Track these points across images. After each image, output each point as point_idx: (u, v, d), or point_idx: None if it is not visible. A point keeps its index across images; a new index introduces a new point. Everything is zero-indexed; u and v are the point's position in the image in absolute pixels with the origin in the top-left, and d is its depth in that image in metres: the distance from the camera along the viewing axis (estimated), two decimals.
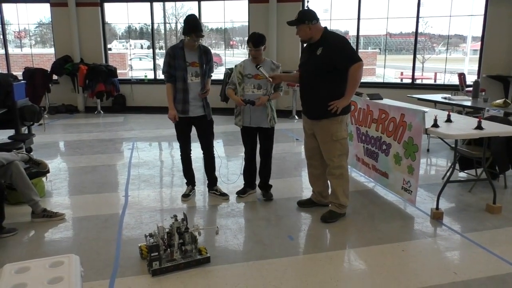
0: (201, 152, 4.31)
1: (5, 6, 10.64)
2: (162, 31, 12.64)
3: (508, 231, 3.57)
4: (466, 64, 18.53)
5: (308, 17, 3.51)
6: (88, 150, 6.47)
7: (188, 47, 3.94)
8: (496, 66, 8.48)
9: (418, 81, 12.00)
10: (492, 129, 3.80)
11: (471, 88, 6.56)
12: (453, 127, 3.90)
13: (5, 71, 10.72)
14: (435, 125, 3.77)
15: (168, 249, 2.91)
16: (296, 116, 9.24)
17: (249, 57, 4.06)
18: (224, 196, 4.31)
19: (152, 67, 11.13)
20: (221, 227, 3.62)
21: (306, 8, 3.63)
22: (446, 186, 4.00)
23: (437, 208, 3.84)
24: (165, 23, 12.70)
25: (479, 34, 8.87)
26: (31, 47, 14.76)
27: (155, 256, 2.81)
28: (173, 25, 14.16)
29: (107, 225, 3.67)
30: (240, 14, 10.28)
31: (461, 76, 8.24)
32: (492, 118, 4.51)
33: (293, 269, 2.95)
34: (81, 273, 2.07)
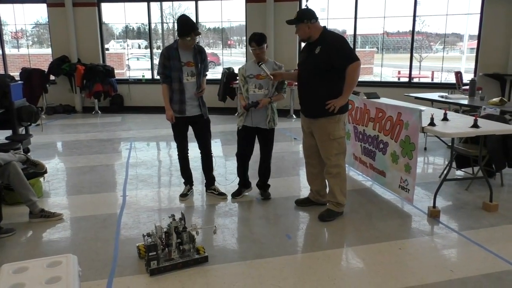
0: (199, 151, 4.31)
1: (1, 6, 10.62)
2: (160, 31, 12.62)
3: (505, 229, 3.59)
4: (463, 62, 18.58)
5: (307, 16, 3.53)
6: (86, 150, 6.46)
7: (182, 47, 3.94)
8: (493, 65, 8.51)
9: (415, 80, 12.02)
10: (488, 127, 3.82)
11: (467, 87, 6.58)
12: (450, 125, 3.92)
13: (2, 72, 10.69)
14: (432, 123, 3.79)
15: (166, 249, 2.92)
16: (294, 115, 9.25)
17: (247, 61, 4.06)
18: (222, 195, 4.32)
19: (149, 67, 11.13)
20: (219, 226, 3.63)
21: (305, 7, 3.65)
22: (443, 184, 4.01)
23: (434, 206, 3.86)
24: (162, 22, 12.69)
25: (476, 32, 8.90)
26: (28, 48, 14.73)
27: (153, 255, 2.82)
28: (170, 25, 14.15)
29: (105, 225, 3.68)
30: (237, 14, 10.30)
31: (458, 75, 8.26)
32: (488, 117, 4.53)
33: (291, 267, 2.96)
34: (79, 273, 2.08)
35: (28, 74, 9.39)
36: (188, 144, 4.28)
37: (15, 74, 9.17)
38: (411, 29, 9.47)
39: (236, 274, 2.87)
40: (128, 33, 16.07)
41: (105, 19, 10.71)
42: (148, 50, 11.39)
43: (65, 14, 9.99)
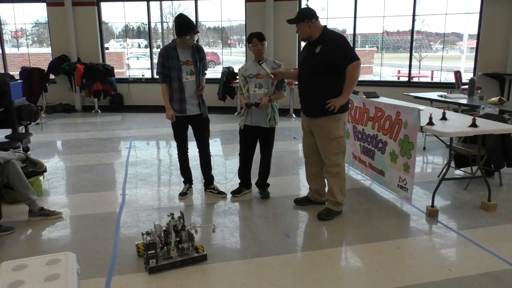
0: (197, 150, 4.32)
1: (1, 6, 10.63)
2: (159, 30, 12.62)
3: (503, 228, 3.59)
4: (462, 62, 18.58)
5: (308, 16, 3.53)
6: (86, 149, 6.47)
7: (180, 46, 3.95)
8: (492, 64, 8.52)
9: (415, 79, 12.03)
10: (487, 126, 3.82)
11: (467, 86, 6.59)
12: (448, 125, 3.92)
13: (2, 71, 10.69)
14: (430, 123, 3.79)
15: (165, 247, 2.93)
16: (293, 114, 9.26)
17: (246, 60, 4.08)
18: (222, 194, 4.33)
19: (149, 66, 11.13)
20: (218, 225, 3.64)
21: (305, 6, 3.66)
22: (442, 183, 4.02)
23: (432, 205, 3.87)
24: (162, 22, 12.68)
25: (476, 32, 8.90)
26: (28, 47, 14.72)
27: (152, 254, 2.83)
28: (170, 24, 14.15)
29: (105, 224, 3.69)
30: (237, 13, 10.30)
31: (457, 74, 8.26)
32: (487, 116, 4.54)
33: (289, 266, 2.97)
34: (78, 271, 2.09)
35: (28, 73, 9.39)
36: (188, 143, 4.28)
37: (15, 73, 9.16)
38: (411, 28, 9.47)
39: (234, 272, 2.88)
40: (128, 32, 16.07)
41: (104, 18, 10.72)
42: (148, 49, 11.39)
43: (64, 13, 9.99)
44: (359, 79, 3.64)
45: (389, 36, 24.31)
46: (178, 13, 4.04)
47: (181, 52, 3.95)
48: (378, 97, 4.97)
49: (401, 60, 17.31)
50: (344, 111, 3.67)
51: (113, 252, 3.16)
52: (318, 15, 3.59)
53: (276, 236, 3.43)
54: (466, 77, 8.51)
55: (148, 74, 10.94)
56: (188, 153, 4.34)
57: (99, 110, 10.14)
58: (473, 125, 3.72)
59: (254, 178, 4.41)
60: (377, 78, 15.50)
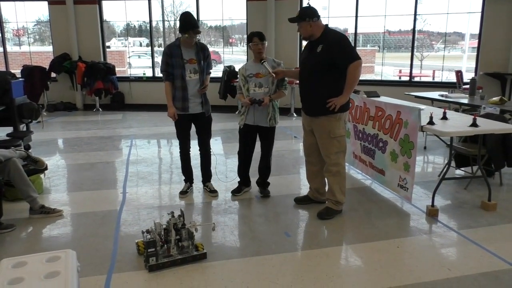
0: (198, 148, 4.33)
1: (3, 4, 10.64)
2: (161, 29, 12.63)
3: (503, 228, 3.59)
4: (464, 61, 18.55)
5: (309, 14, 3.53)
6: (87, 147, 6.49)
7: (184, 45, 3.95)
8: (493, 64, 8.50)
9: (416, 79, 12.02)
10: (487, 126, 3.82)
11: (468, 86, 6.58)
12: (449, 124, 3.92)
13: (3, 69, 10.72)
14: (431, 122, 3.79)
15: (165, 245, 2.93)
16: (294, 113, 9.26)
17: (248, 59, 4.08)
18: (213, 193, 4.33)
19: (150, 64, 11.14)
20: (218, 223, 3.64)
21: (307, 5, 3.66)
22: (442, 183, 4.02)
23: (432, 205, 3.87)
24: (163, 20, 12.70)
25: (477, 31, 8.88)
26: (29, 45, 14.75)
27: (152, 252, 2.84)
28: (171, 23, 14.15)
29: (105, 222, 3.70)
30: (239, 12, 10.30)
31: (458, 74, 8.25)
32: (488, 116, 4.53)
33: (289, 265, 2.97)
34: (78, 268, 2.10)
35: (29, 71, 9.41)
36: (190, 142, 4.29)
37: (17, 71, 9.17)
38: (412, 27, 9.46)
39: (234, 271, 2.89)
40: (130, 31, 16.09)
41: (106, 16, 10.72)
42: (149, 48, 11.40)
43: (66, 11, 10.00)
44: (360, 78, 3.63)
45: (391, 35, 24.30)
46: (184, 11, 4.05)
47: (185, 50, 3.95)
48: (379, 96, 4.97)
49: (402, 60, 17.29)
50: (344, 110, 3.67)
51: (113, 250, 3.17)
52: (319, 14, 3.59)
53: (276, 235, 3.44)
54: (468, 76, 8.50)
55: (149, 73, 10.95)
56: (190, 152, 4.34)
57: (100, 109, 10.15)
58: (474, 124, 3.72)
59: (254, 177, 4.42)
60: (378, 78, 15.48)
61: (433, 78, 15.95)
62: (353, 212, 3.91)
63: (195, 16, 4.16)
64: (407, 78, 10.49)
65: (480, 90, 6.60)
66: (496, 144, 4.37)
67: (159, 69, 4.38)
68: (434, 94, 6.55)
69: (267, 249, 3.20)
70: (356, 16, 9.39)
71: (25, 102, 5.81)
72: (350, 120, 4.96)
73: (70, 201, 4.27)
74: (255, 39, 3.89)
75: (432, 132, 3.88)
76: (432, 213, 3.81)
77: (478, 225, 3.64)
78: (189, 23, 3.83)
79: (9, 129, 5.77)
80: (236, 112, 9.41)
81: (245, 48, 11.42)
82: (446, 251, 3.20)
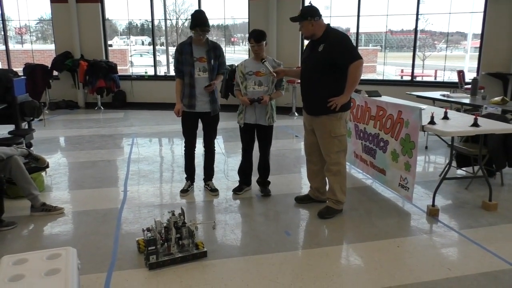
0: (203, 146, 4.36)
1: (5, 2, 10.65)
2: (163, 28, 12.63)
3: (503, 228, 3.59)
4: (466, 61, 18.48)
5: (311, 14, 3.53)
6: (88, 145, 6.50)
7: (196, 43, 3.99)
8: (496, 64, 8.48)
9: (418, 79, 11.99)
10: (488, 126, 3.81)
11: (470, 86, 6.57)
12: (450, 124, 3.92)
13: (5, 67, 10.74)
14: (432, 122, 3.79)
15: (165, 243, 2.94)
16: (296, 113, 9.25)
17: (249, 56, 4.08)
18: (214, 191, 4.34)
19: (152, 63, 11.15)
20: (219, 222, 3.65)
21: (309, 4, 3.66)
22: (443, 183, 4.02)
23: (433, 205, 3.87)
24: (165, 19, 12.70)
25: (480, 31, 8.86)
26: (31, 43, 14.76)
27: (152, 250, 2.84)
28: (174, 22, 14.16)
29: (106, 220, 3.71)
30: (241, 11, 10.30)
31: (460, 74, 8.24)
32: (489, 116, 4.52)
33: (289, 264, 2.97)
34: (78, 266, 2.11)
35: (32, 69, 9.43)
36: (196, 141, 4.31)
37: (19, 69, 9.20)
38: (415, 27, 9.44)
39: (234, 269, 2.89)
40: (132, 30, 16.10)
41: (108, 15, 10.72)
42: (151, 46, 11.41)
43: (68, 10, 10.02)
44: (362, 78, 3.63)
45: (393, 35, 24.25)
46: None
47: (196, 48, 3.99)
48: (380, 96, 4.97)
49: (404, 59, 17.25)
50: (346, 110, 3.67)
51: (114, 247, 3.18)
52: (321, 13, 3.58)
53: (276, 234, 3.44)
54: (470, 76, 8.49)
55: (151, 72, 10.96)
56: (195, 150, 4.35)
57: (102, 107, 10.17)
58: (475, 124, 3.71)
59: (255, 176, 4.42)
60: (380, 77, 15.46)
61: (435, 78, 15.93)
62: (354, 212, 3.91)
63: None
64: (409, 78, 10.48)
65: (482, 90, 6.59)
66: (497, 144, 4.36)
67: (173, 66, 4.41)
68: (436, 94, 6.55)
69: (267, 248, 3.20)
70: (358, 16, 9.37)
71: (27, 100, 5.83)
72: (351, 120, 4.95)
73: (71, 199, 4.28)
74: (251, 40, 3.91)
75: (433, 131, 3.88)
76: (432, 213, 3.81)
77: (479, 225, 3.63)
78: (196, 20, 3.88)
79: (11, 127, 5.79)
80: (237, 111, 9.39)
81: (246, 47, 11.42)
82: (446, 251, 3.20)
